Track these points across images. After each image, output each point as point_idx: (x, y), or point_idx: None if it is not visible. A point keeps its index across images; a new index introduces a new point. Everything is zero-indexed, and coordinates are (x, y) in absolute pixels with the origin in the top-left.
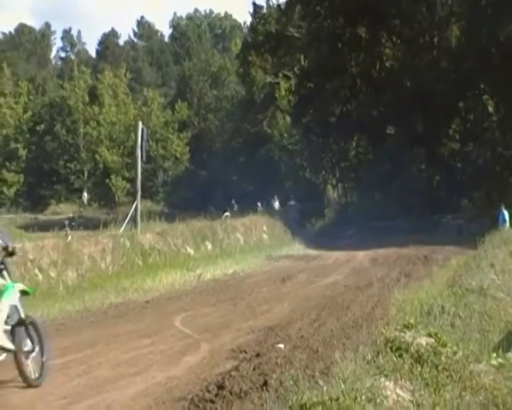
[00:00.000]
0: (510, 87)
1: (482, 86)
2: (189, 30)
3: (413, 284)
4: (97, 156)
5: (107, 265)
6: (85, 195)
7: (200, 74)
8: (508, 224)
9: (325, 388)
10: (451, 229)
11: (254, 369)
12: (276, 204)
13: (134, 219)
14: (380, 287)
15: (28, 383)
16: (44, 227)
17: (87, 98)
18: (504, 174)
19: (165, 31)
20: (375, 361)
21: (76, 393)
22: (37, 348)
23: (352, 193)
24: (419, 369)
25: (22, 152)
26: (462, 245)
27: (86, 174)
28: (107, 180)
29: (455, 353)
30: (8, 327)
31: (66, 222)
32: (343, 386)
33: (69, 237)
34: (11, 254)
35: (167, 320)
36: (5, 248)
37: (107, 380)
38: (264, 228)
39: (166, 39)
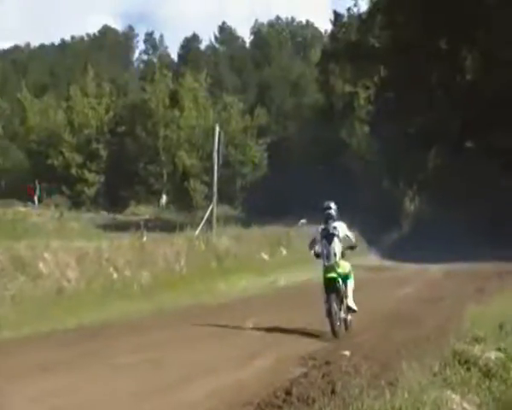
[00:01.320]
0: None
1: None
2: (270, 37)
3: (487, 299)
4: (176, 159)
5: (181, 267)
6: (164, 197)
7: (280, 81)
8: None
9: (388, 397)
10: None
11: (323, 376)
12: None
13: (210, 222)
14: (452, 301)
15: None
16: (122, 227)
17: (168, 101)
18: None
19: (247, 37)
20: (442, 374)
21: (146, 391)
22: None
23: (430, 205)
24: (487, 383)
25: (103, 152)
26: None
27: (165, 177)
28: (185, 183)
29: None
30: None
31: (142, 223)
32: (407, 397)
33: (144, 238)
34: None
35: (239, 324)
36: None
37: (178, 380)
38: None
39: (247, 45)
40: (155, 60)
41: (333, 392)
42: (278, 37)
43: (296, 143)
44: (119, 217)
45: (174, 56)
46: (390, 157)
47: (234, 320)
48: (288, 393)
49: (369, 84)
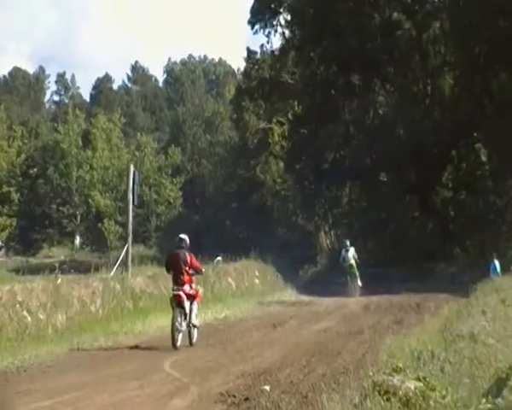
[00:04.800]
0: (503, 136)
1: (475, 135)
2: (183, 75)
3: (404, 331)
4: (90, 200)
5: (96, 308)
6: (78, 238)
7: (194, 119)
8: (499, 273)
9: None
10: (444, 277)
11: None
12: None
13: (125, 262)
14: (371, 334)
15: None
16: (35, 270)
17: (80, 142)
18: (497, 223)
19: (160, 76)
20: (362, 405)
21: None
22: None
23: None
24: None
25: (15, 195)
26: (455, 293)
27: (79, 218)
28: (99, 224)
29: (443, 397)
30: None
31: (57, 265)
32: None
33: (59, 280)
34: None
35: (156, 364)
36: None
37: None
38: (256, 273)
39: (160, 84)
40: (67, 100)
41: None
42: (191, 75)
43: (211, 181)
44: (32, 260)
45: (86, 97)
46: (305, 193)
47: (152, 360)
48: None
49: (284, 121)
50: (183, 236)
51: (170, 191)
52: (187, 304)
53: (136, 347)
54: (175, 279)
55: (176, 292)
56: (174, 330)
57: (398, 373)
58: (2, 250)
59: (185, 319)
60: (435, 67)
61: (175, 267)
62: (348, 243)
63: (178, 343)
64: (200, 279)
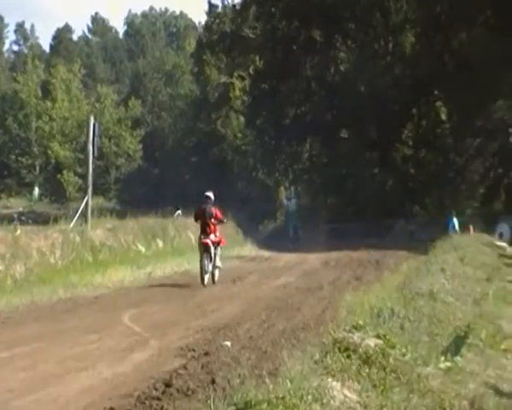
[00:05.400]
0: (463, 95)
1: (436, 93)
2: (143, 27)
3: (364, 288)
4: (49, 151)
5: (56, 260)
6: (36, 189)
7: (155, 72)
8: (458, 230)
9: (271, 386)
10: (403, 234)
11: (202, 367)
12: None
13: (85, 214)
14: (330, 290)
15: None
16: None
17: (40, 93)
18: (456, 181)
19: (120, 28)
20: (322, 361)
21: (21, 387)
22: None
23: (305, 196)
24: (367, 370)
25: None
26: (414, 250)
27: (38, 169)
28: (58, 175)
29: (403, 355)
30: None
31: (16, 215)
32: (289, 385)
33: (18, 231)
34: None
35: (116, 317)
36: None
37: (53, 375)
38: (218, 228)
39: (121, 36)
40: (26, 51)
41: (213, 383)
42: (152, 27)
43: (171, 134)
44: None
45: (46, 47)
46: (265, 148)
47: (111, 313)
48: (168, 385)
49: (245, 75)
50: (208, 193)
51: (130, 144)
52: (212, 249)
53: (96, 299)
54: (203, 229)
55: (203, 240)
56: (202, 272)
57: (358, 330)
58: None
59: (211, 261)
60: (396, 23)
61: (202, 219)
62: (292, 193)
63: (206, 282)
64: (160, 233)
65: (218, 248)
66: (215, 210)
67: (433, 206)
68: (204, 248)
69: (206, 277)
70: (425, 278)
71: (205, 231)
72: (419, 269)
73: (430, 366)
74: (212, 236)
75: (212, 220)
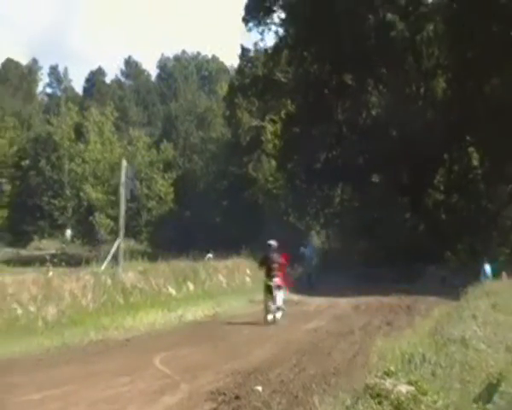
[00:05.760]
0: (495, 140)
1: (468, 138)
2: (176, 71)
3: (395, 333)
4: (82, 193)
5: (87, 302)
6: (69, 231)
7: (187, 115)
8: (490, 277)
9: None
10: (435, 279)
11: None
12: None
13: (116, 257)
14: (361, 334)
15: None
16: (26, 262)
17: (73, 135)
18: (488, 228)
19: (153, 71)
20: (354, 407)
21: None
22: None
23: (336, 240)
24: None
25: (6, 187)
26: (445, 296)
27: (70, 211)
28: (90, 217)
29: (435, 402)
30: None
31: (48, 257)
32: None
33: (50, 273)
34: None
35: (147, 359)
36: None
37: None
38: (248, 271)
39: (153, 79)
40: (60, 93)
41: None
42: (184, 71)
43: (202, 177)
44: (23, 252)
45: (79, 90)
46: (297, 192)
47: (142, 356)
48: None
49: (277, 119)
50: (271, 242)
51: (161, 186)
52: (275, 291)
53: (127, 342)
54: (268, 273)
55: (269, 283)
56: (266, 311)
57: (390, 376)
58: None
59: (274, 303)
60: (428, 68)
61: (268, 265)
62: (312, 239)
63: (269, 319)
64: (191, 276)
65: (281, 291)
66: (281, 258)
67: (464, 252)
68: (269, 291)
69: (269, 316)
70: (457, 325)
71: (270, 275)
72: (450, 315)
73: None
74: (276, 279)
75: (277, 266)
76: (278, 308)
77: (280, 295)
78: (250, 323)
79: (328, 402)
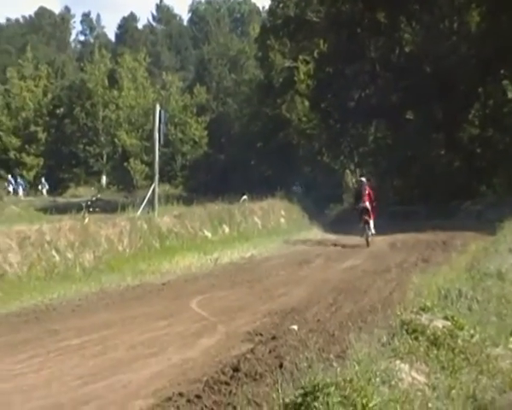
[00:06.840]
0: None
1: (502, 72)
2: (207, 14)
3: (431, 269)
4: (116, 140)
5: (124, 247)
6: (104, 178)
7: (219, 58)
8: None
9: (339, 369)
10: (470, 215)
11: (270, 352)
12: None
13: (152, 202)
14: (397, 272)
15: None
16: (63, 210)
17: (106, 82)
18: None
19: (184, 15)
20: (390, 344)
21: (91, 373)
22: None
23: (371, 178)
24: (435, 352)
25: (42, 135)
26: (481, 231)
27: (105, 157)
28: (125, 164)
29: (472, 336)
30: None
31: (84, 204)
32: (357, 368)
33: (86, 219)
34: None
35: (184, 303)
36: None
37: (123, 361)
38: (282, 212)
39: (185, 23)
40: (92, 40)
41: (281, 367)
42: (216, 14)
43: (236, 120)
44: (60, 200)
45: (112, 36)
46: (331, 131)
47: (179, 299)
48: (236, 370)
49: (309, 59)
50: (362, 178)
51: (195, 130)
52: (368, 218)
53: (164, 286)
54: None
55: (362, 205)
56: (366, 234)
57: (426, 312)
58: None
59: (369, 229)
60: (462, 3)
61: (361, 197)
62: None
63: (369, 240)
64: (226, 219)
65: (371, 220)
66: (368, 190)
67: (500, 186)
68: (364, 212)
69: (369, 238)
70: (493, 259)
71: (362, 200)
72: (487, 250)
73: (499, 346)
74: (367, 203)
75: (367, 197)
76: (372, 234)
77: (371, 223)
78: (285, 264)
79: (364, 339)
